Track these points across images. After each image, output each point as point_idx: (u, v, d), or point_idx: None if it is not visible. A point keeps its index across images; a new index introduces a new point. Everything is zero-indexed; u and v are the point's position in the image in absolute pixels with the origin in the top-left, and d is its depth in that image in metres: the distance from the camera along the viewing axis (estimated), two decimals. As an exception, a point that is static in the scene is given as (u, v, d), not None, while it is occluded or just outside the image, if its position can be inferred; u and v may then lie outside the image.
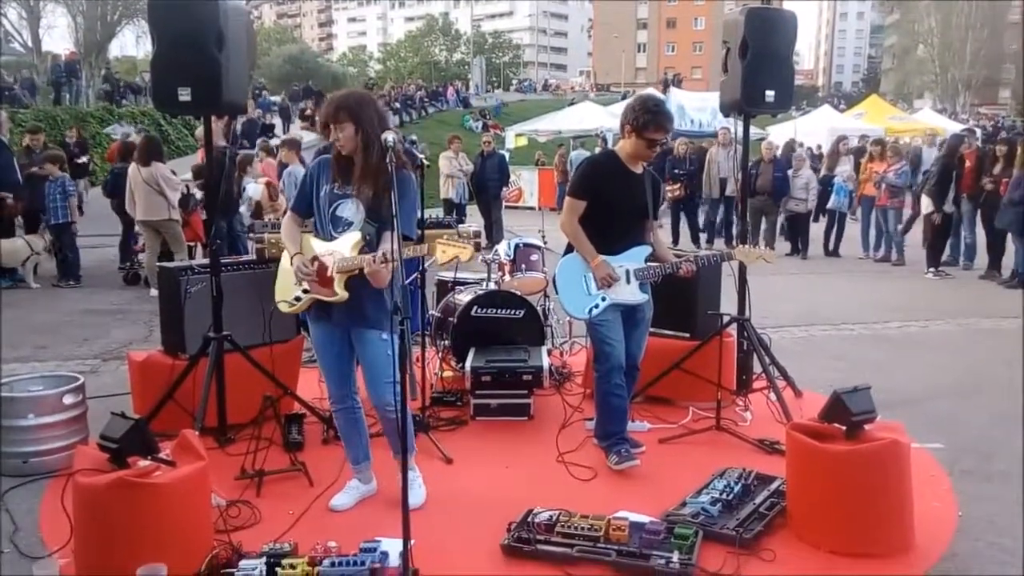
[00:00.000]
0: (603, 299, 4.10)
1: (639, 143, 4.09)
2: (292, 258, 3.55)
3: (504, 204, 13.81)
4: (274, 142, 12.86)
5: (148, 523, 2.96)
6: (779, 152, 13.06)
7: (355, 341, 3.57)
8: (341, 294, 3.44)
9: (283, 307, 3.66)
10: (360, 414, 3.78)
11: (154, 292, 5.23)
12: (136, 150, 9.02)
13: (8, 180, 9.36)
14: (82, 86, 24.75)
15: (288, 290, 3.62)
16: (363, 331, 3.51)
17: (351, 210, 3.50)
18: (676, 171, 13.30)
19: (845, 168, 12.53)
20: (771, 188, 11.83)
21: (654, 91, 22.86)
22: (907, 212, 11.72)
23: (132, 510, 2.95)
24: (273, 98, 32.17)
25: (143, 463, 3.09)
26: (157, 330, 4.99)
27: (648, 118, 4.04)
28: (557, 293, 4.28)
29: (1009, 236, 9.82)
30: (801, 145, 17.69)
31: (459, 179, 13.32)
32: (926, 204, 10.50)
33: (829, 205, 12.29)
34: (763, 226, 12.30)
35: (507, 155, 17.34)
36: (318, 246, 3.54)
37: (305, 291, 3.55)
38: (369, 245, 3.44)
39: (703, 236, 13.45)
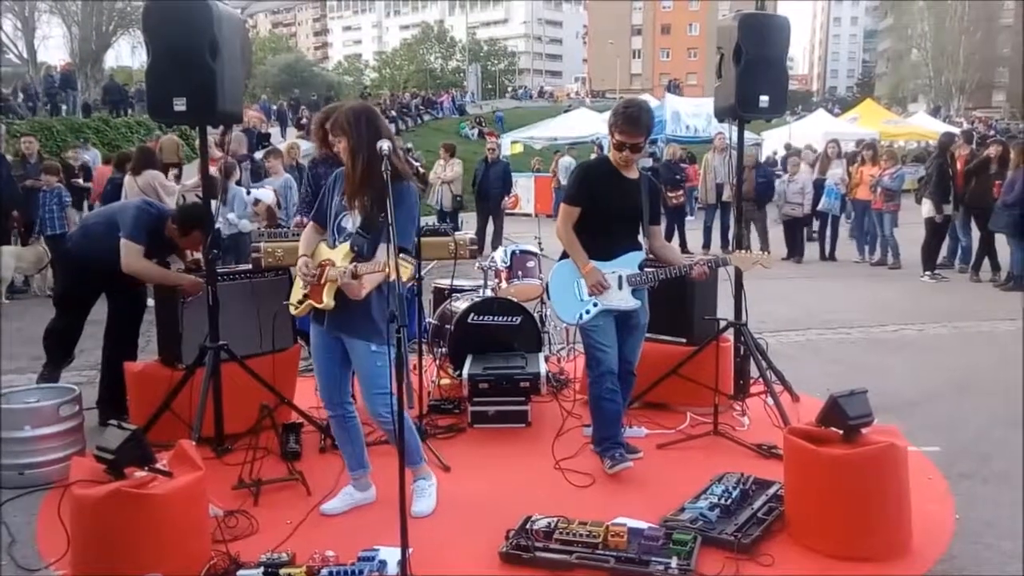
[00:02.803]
0: (594, 304, 4.11)
1: (612, 146, 4.13)
2: (299, 259, 3.61)
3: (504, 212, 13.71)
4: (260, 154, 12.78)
5: (145, 534, 2.96)
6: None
7: (348, 350, 3.59)
8: (327, 302, 3.48)
9: (291, 308, 3.74)
10: (353, 422, 3.78)
11: (150, 302, 5.22)
12: (130, 160, 9.05)
13: (9, 193, 9.38)
14: (78, 97, 24.77)
15: (296, 292, 3.70)
16: (352, 341, 3.54)
17: (350, 221, 3.55)
18: (676, 177, 13.30)
19: (837, 171, 12.56)
20: (754, 194, 11.92)
21: (650, 97, 23.02)
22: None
23: (129, 521, 2.95)
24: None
25: (140, 474, 3.08)
26: (154, 341, 4.98)
27: (612, 121, 4.10)
28: (550, 299, 4.28)
29: (1003, 238, 9.84)
30: (797, 151, 17.76)
31: (437, 186, 13.32)
32: (926, 208, 10.52)
33: (820, 207, 12.32)
34: (753, 232, 12.31)
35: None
36: (325, 254, 3.60)
37: (306, 295, 3.60)
38: (360, 257, 3.45)
39: (700, 242, 13.46)
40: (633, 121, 4.03)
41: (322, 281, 3.50)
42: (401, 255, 3.32)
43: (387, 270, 3.16)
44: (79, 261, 4.90)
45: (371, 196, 3.44)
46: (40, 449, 4.14)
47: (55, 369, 5.17)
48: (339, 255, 3.49)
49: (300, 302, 3.64)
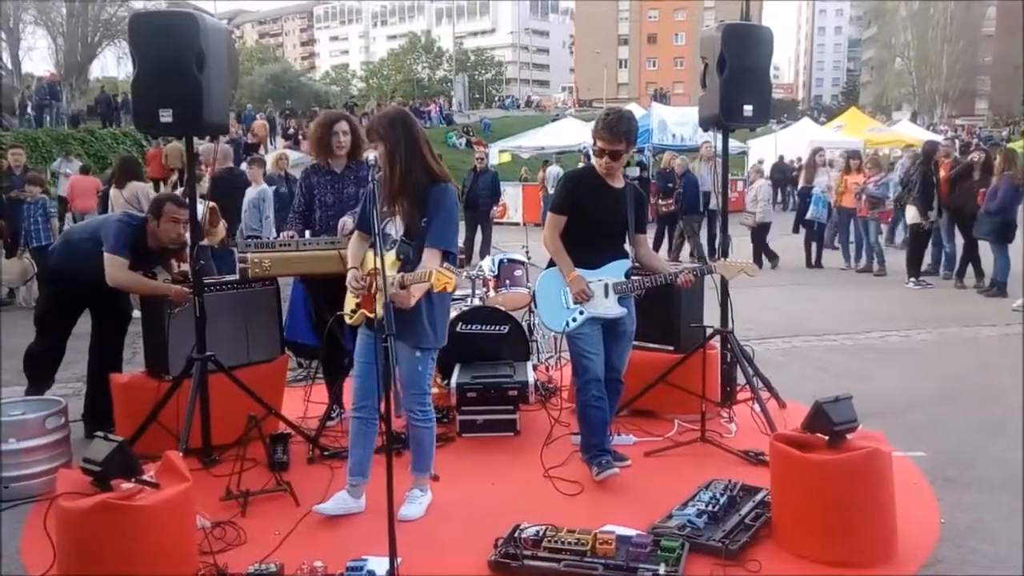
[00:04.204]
0: (580, 312, 4.13)
1: (593, 153, 4.17)
2: (348, 271, 3.65)
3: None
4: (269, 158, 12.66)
5: (132, 546, 2.94)
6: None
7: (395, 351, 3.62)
8: (380, 313, 3.48)
9: (346, 318, 3.78)
10: (374, 430, 3.81)
11: (137, 313, 5.20)
12: (113, 172, 9.04)
13: None
14: (63, 108, 24.69)
15: (349, 302, 3.74)
16: (399, 344, 3.55)
17: (393, 228, 3.61)
18: (669, 185, 13.37)
19: (823, 179, 12.65)
20: (679, 204, 12.57)
21: (636, 106, 23.14)
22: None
23: (116, 533, 2.93)
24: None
25: (127, 485, 3.07)
26: (140, 352, 4.97)
27: (595, 128, 4.16)
28: (537, 307, 4.30)
29: (987, 245, 9.93)
30: (761, 162, 18.02)
31: None
32: (911, 215, 10.61)
33: (808, 216, 12.40)
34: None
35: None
36: (372, 263, 3.62)
37: (358, 305, 3.66)
38: (407, 264, 3.49)
39: (686, 249, 13.50)
40: (610, 128, 4.07)
41: (373, 291, 3.54)
42: (445, 264, 3.37)
43: (432, 280, 3.19)
44: (64, 275, 4.88)
45: (410, 200, 3.47)
46: (26, 462, 4.12)
47: (37, 393, 5.11)
48: (387, 264, 3.51)
49: (353, 312, 3.68)
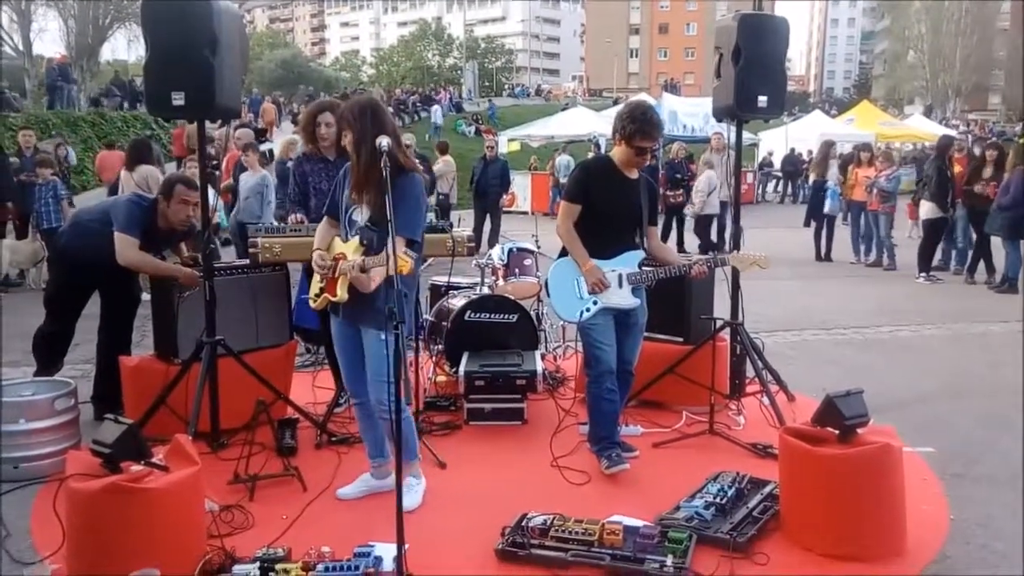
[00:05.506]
0: (594, 303, 4.11)
1: (629, 151, 4.13)
2: (313, 253, 3.67)
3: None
4: (265, 146, 12.55)
5: (141, 528, 2.95)
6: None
7: (362, 339, 3.64)
8: (340, 295, 3.54)
9: (310, 302, 3.79)
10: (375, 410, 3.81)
11: (146, 296, 5.22)
12: (125, 155, 9.02)
13: (4, 186, 9.36)
14: (74, 90, 24.68)
15: (315, 286, 3.75)
16: (365, 330, 3.61)
17: (360, 215, 3.60)
18: (677, 176, 13.30)
19: (835, 172, 12.57)
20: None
21: (647, 96, 23.03)
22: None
23: (124, 515, 2.94)
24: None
25: (136, 468, 3.08)
26: (150, 335, 4.98)
27: (635, 128, 4.07)
28: (549, 297, 4.28)
29: (999, 241, 9.87)
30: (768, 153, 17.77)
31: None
32: (926, 209, 10.55)
33: (825, 210, 12.31)
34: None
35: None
36: (338, 248, 3.66)
37: (323, 289, 3.66)
38: (371, 250, 3.49)
39: (696, 241, 13.44)
40: (656, 125, 4.12)
41: (335, 275, 3.56)
42: (404, 250, 3.35)
43: (379, 261, 3.19)
44: (73, 257, 4.89)
45: (377, 189, 3.46)
46: (35, 443, 4.13)
47: (47, 375, 5.11)
48: (351, 249, 3.55)
49: (318, 295, 3.70)
